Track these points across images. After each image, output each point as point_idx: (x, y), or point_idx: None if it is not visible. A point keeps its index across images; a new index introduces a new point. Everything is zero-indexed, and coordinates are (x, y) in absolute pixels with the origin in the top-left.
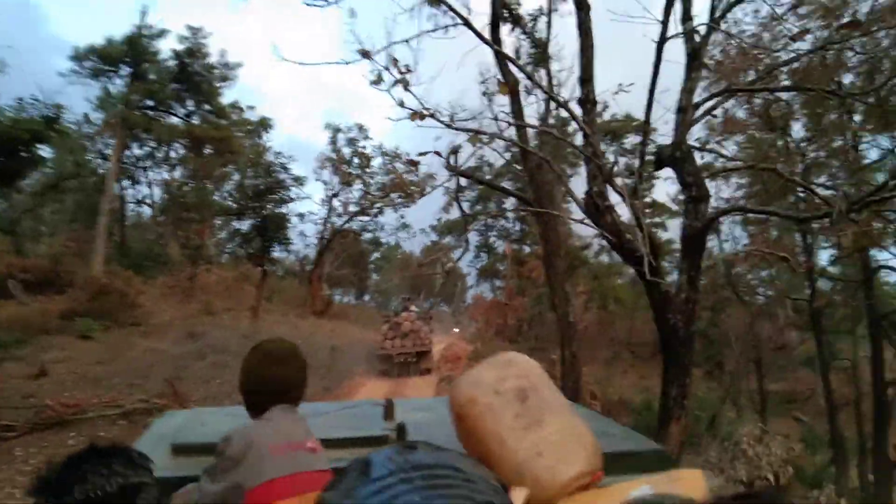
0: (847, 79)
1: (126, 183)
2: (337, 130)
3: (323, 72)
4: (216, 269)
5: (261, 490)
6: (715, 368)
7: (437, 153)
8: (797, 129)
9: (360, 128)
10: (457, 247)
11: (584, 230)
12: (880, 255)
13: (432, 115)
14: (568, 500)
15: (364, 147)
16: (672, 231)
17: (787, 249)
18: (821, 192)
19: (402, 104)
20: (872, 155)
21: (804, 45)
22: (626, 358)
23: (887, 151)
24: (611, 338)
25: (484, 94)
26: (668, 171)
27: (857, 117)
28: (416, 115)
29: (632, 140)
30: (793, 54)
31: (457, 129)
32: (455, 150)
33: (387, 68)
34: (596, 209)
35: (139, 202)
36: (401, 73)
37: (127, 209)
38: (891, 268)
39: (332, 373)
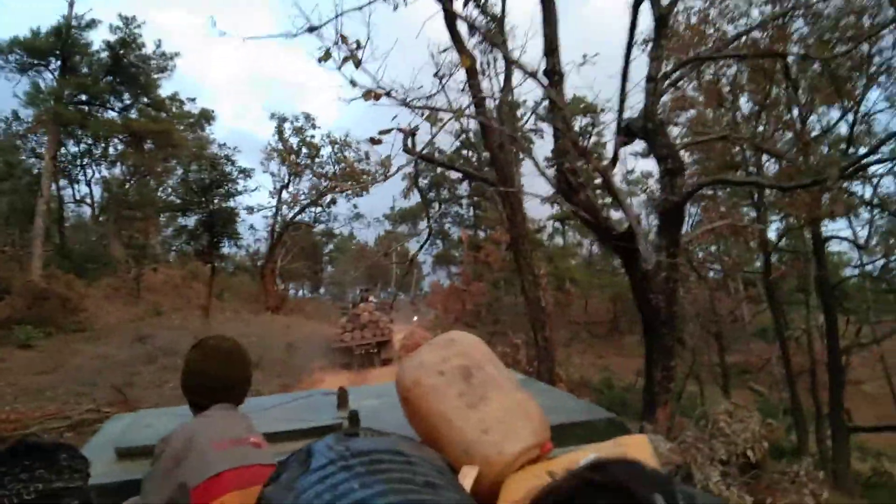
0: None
1: (63, 182)
2: (283, 120)
3: (265, 61)
4: (163, 267)
5: (207, 485)
6: (676, 344)
7: (401, 130)
8: (744, 104)
9: (307, 117)
10: (413, 235)
11: (536, 212)
12: (829, 227)
13: (388, 94)
14: (517, 473)
15: (312, 136)
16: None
17: (742, 222)
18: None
19: (353, 83)
20: (818, 127)
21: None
22: (584, 338)
23: (834, 123)
24: (567, 319)
25: (436, 74)
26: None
27: (801, 93)
28: (370, 95)
29: (579, 122)
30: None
31: (414, 107)
32: (413, 132)
33: (336, 44)
34: (569, 186)
35: (78, 202)
36: (350, 49)
37: (66, 209)
38: (839, 237)
39: (289, 369)
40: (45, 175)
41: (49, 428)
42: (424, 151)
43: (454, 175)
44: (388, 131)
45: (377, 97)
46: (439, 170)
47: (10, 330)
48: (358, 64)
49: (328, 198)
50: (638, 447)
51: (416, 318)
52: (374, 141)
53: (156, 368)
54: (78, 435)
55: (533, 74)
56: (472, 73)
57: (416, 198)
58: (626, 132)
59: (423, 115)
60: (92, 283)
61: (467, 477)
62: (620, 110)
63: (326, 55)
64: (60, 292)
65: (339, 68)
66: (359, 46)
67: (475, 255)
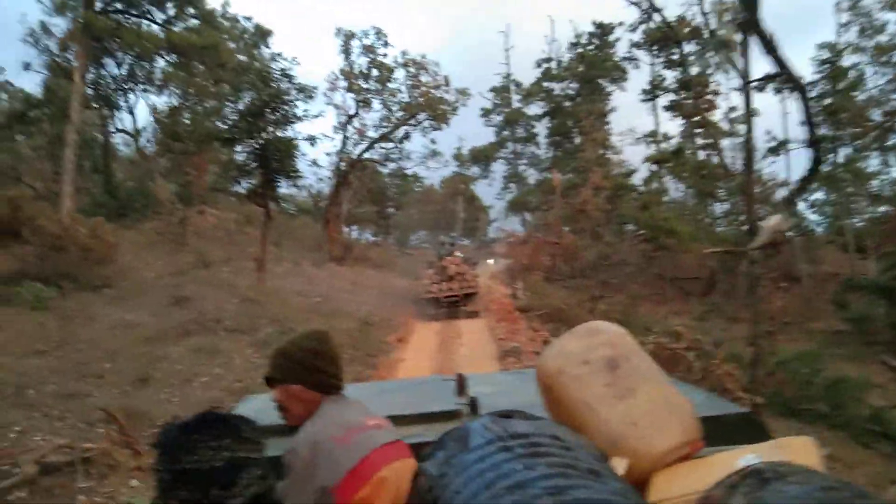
0: None
1: (113, 113)
2: (350, 36)
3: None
4: (216, 209)
5: (345, 483)
6: None
7: None
8: None
9: (378, 32)
10: (483, 177)
11: (628, 153)
12: None
13: None
14: (667, 470)
15: (384, 56)
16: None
17: None
18: None
19: None
20: None
21: None
22: (675, 295)
23: None
24: (654, 273)
25: None
26: None
27: None
28: None
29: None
30: None
31: None
32: None
33: None
34: None
35: (121, 131)
36: None
37: (115, 142)
38: None
39: (360, 349)
40: (75, 98)
41: None
42: None
43: (532, 111)
44: None
45: None
46: (515, 104)
47: (19, 286)
48: None
49: (401, 132)
50: (803, 450)
51: (490, 261)
52: None
53: (187, 350)
54: (30, 495)
55: None
56: None
57: (489, 136)
58: None
59: None
60: (134, 226)
61: (618, 469)
62: None
63: None
64: (81, 240)
65: None
66: None
67: (569, 202)
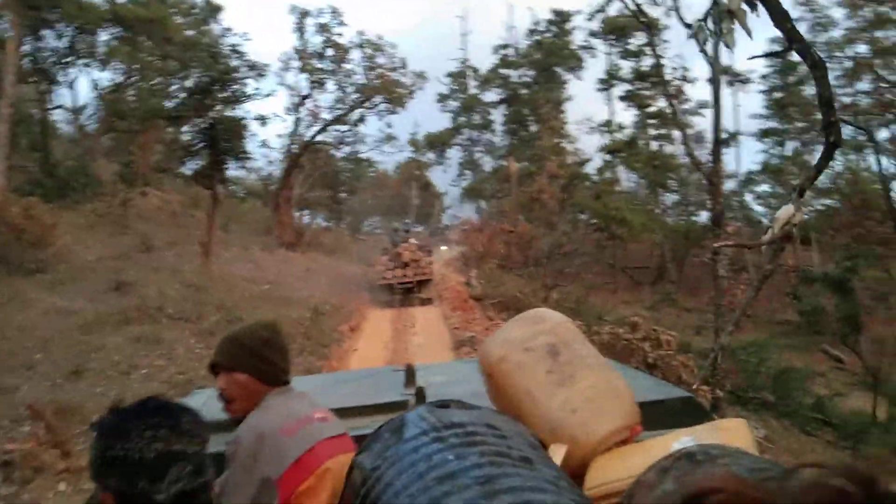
0: None
1: (52, 88)
2: (304, 14)
3: None
4: (161, 191)
5: (289, 474)
6: (852, 334)
7: None
8: None
9: (334, 11)
10: (439, 163)
11: (582, 143)
12: None
13: None
14: (605, 455)
15: (339, 35)
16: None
17: None
18: None
19: None
20: None
21: None
22: (626, 284)
23: None
24: (607, 262)
25: None
26: None
27: None
28: None
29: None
30: None
31: None
32: None
33: None
34: None
35: (58, 108)
36: None
37: (51, 118)
38: None
39: (312, 338)
40: (10, 70)
41: None
42: None
43: (489, 97)
44: None
45: None
46: (472, 91)
47: None
48: None
49: (355, 115)
50: (737, 433)
51: (444, 248)
52: None
53: (127, 339)
54: None
55: None
56: None
57: (445, 122)
58: None
59: None
60: (74, 207)
61: (556, 456)
62: None
63: None
64: (13, 221)
65: None
66: None
67: (524, 190)
